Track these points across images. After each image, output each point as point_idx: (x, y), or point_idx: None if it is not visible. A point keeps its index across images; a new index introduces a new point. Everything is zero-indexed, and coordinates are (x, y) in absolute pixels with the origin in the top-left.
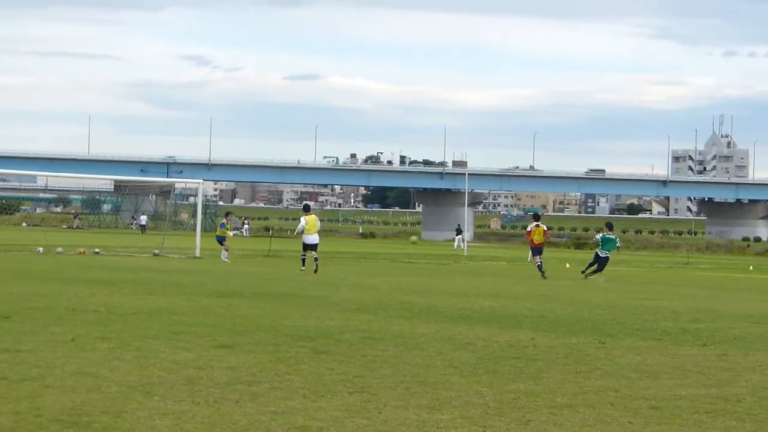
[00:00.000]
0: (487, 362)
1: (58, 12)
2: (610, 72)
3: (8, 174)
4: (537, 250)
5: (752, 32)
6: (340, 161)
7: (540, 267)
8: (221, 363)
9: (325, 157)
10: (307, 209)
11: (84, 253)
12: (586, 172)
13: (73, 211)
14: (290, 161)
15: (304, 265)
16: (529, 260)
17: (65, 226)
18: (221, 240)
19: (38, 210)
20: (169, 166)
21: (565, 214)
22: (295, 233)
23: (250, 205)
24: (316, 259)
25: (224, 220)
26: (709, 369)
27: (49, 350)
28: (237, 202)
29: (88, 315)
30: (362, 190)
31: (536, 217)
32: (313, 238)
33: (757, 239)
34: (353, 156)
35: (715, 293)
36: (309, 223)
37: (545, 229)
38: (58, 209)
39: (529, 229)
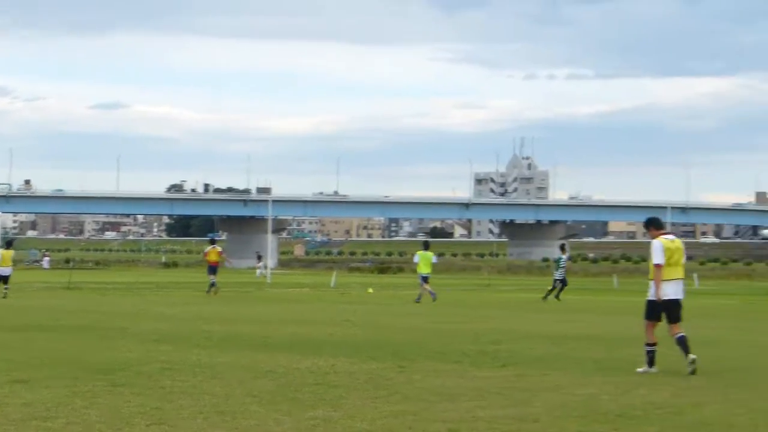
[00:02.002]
0: (287, 390)
1: None
2: (414, 97)
3: None
4: (212, 269)
5: (551, 56)
6: (14, 188)
7: (211, 285)
8: (16, 399)
9: None
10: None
11: None
12: (385, 196)
13: None
14: (91, 191)
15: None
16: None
17: None
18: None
19: None
20: None
21: (371, 239)
22: None
23: (48, 236)
24: (6, 289)
25: None
26: (507, 390)
27: None
28: (30, 233)
29: None
30: (165, 219)
31: (212, 241)
32: (5, 271)
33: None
34: (27, 182)
35: (516, 314)
36: (3, 256)
37: (219, 250)
38: None
39: (206, 250)
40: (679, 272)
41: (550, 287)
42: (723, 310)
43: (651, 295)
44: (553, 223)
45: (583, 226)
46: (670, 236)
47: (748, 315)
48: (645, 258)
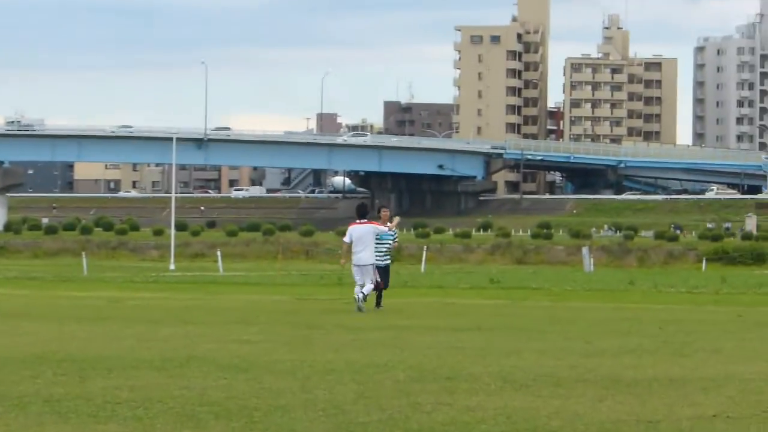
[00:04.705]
0: None
1: None
2: None
3: None
4: None
5: None
6: None
7: None
8: None
9: None
10: None
11: None
12: None
13: None
14: None
15: None
16: None
17: None
18: None
19: None
20: None
21: None
22: None
23: None
24: None
25: None
26: None
27: None
28: None
29: None
30: None
31: None
32: None
33: None
34: None
35: None
36: None
37: None
38: None
39: None
40: None
41: None
42: (270, 308)
43: None
44: None
45: (30, 171)
46: None
47: (299, 314)
48: (141, 227)
